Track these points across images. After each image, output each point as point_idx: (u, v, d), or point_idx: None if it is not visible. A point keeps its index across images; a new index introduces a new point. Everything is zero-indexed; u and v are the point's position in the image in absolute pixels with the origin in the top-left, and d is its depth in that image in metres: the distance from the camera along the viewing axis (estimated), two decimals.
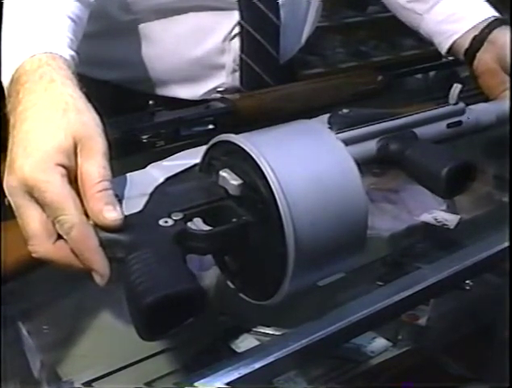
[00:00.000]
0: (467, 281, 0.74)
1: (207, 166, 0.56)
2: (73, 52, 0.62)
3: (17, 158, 0.52)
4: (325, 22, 2.62)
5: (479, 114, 0.72)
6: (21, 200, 0.51)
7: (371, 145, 0.67)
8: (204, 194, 0.54)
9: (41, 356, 0.62)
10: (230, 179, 0.52)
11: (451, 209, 0.85)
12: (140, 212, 0.52)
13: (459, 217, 0.84)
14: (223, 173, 0.53)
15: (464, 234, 0.82)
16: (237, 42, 0.90)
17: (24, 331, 0.63)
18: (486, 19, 0.91)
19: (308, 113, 0.86)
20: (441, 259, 0.66)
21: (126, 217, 0.51)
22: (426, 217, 0.84)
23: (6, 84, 0.60)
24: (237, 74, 0.92)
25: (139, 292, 0.46)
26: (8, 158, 0.53)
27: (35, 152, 0.51)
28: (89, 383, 0.59)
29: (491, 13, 0.92)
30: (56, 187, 0.50)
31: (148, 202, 0.53)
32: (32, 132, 0.53)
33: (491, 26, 0.90)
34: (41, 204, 0.50)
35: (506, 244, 0.65)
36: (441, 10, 0.96)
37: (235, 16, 0.89)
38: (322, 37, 2.73)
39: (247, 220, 0.52)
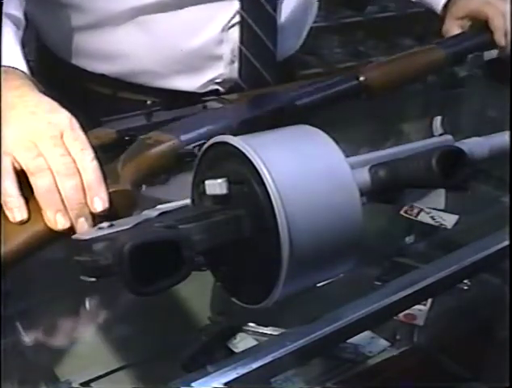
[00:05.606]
0: (465, 281, 0.74)
1: (197, 186, 0.55)
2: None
3: None
4: (323, 22, 2.62)
5: (471, 148, 0.70)
6: None
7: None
8: (195, 211, 0.53)
9: (39, 356, 0.62)
10: (215, 181, 0.51)
11: (449, 209, 0.85)
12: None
13: (456, 216, 0.84)
14: (207, 181, 0.52)
15: (462, 233, 0.82)
16: (234, 32, 0.89)
17: (22, 332, 0.63)
18: None
19: (305, 113, 0.86)
20: (439, 258, 0.65)
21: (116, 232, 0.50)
22: (424, 217, 0.84)
23: None
24: (235, 65, 0.91)
25: (121, 244, 0.45)
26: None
27: None
28: (87, 383, 0.59)
29: None
30: None
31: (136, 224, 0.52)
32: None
33: None
34: None
35: (504, 243, 0.65)
36: None
37: (233, 5, 0.88)
38: (320, 37, 2.73)
39: (240, 221, 0.51)
